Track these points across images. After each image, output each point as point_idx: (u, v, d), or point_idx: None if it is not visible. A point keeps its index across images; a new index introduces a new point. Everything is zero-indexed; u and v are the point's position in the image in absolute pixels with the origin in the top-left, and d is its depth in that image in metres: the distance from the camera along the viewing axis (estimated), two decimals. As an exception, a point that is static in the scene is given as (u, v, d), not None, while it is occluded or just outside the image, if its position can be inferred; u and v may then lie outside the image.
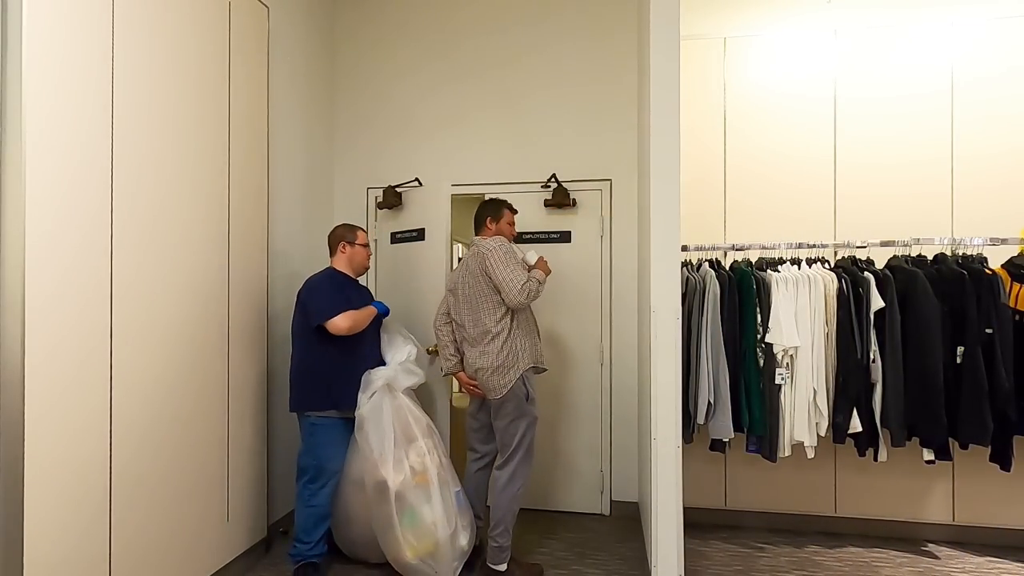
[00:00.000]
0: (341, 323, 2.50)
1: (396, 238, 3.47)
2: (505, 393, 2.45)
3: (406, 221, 3.42)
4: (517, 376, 2.45)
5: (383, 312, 2.77)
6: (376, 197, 3.61)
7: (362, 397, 2.56)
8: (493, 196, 2.84)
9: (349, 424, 2.60)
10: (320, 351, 2.56)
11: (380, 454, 2.48)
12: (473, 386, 2.57)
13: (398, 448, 2.50)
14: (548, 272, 2.61)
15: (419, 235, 3.29)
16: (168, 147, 2.15)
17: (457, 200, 3.43)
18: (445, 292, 2.71)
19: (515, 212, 2.74)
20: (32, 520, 1.63)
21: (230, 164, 2.52)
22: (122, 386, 1.94)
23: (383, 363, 2.70)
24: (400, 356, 2.72)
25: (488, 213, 2.66)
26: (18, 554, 1.60)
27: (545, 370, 2.67)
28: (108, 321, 1.89)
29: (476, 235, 2.66)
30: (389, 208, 3.48)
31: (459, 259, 3.12)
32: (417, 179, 3.48)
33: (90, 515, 1.82)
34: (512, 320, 2.50)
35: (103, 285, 1.87)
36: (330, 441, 2.59)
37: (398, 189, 3.45)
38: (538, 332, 2.65)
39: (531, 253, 2.64)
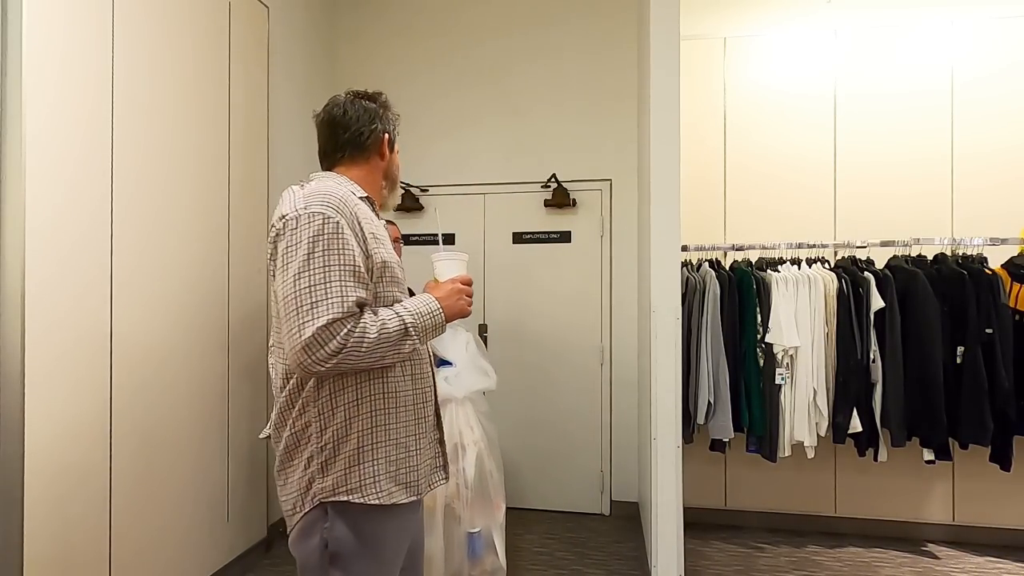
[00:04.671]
0: None
1: (411, 241, 3.51)
2: (292, 525, 1.21)
3: (426, 224, 3.50)
4: (319, 497, 1.16)
5: None
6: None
7: None
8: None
9: None
10: None
11: None
12: None
13: None
14: (456, 309, 1.26)
15: (447, 240, 3.40)
16: (168, 146, 2.15)
17: (457, 200, 3.44)
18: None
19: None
20: (32, 520, 1.63)
21: (230, 163, 2.52)
22: (122, 384, 1.94)
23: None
24: (458, 349, 2.10)
25: (354, 120, 1.31)
26: (18, 554, 1.60)
27: (415, 497, 1.25)
28: (108, 321, 1.89)
29: (325, 168, 1.35)
30: (407, 212, 3.51)
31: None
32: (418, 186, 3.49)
33: (90, 515, 1.82)
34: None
35: (103, 284, 1.87)
36: None
37: (411, 189, 3.47)
38: (434, 389, 1.34)
39: (446, 258, 1.35)
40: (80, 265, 1.78)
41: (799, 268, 2.78)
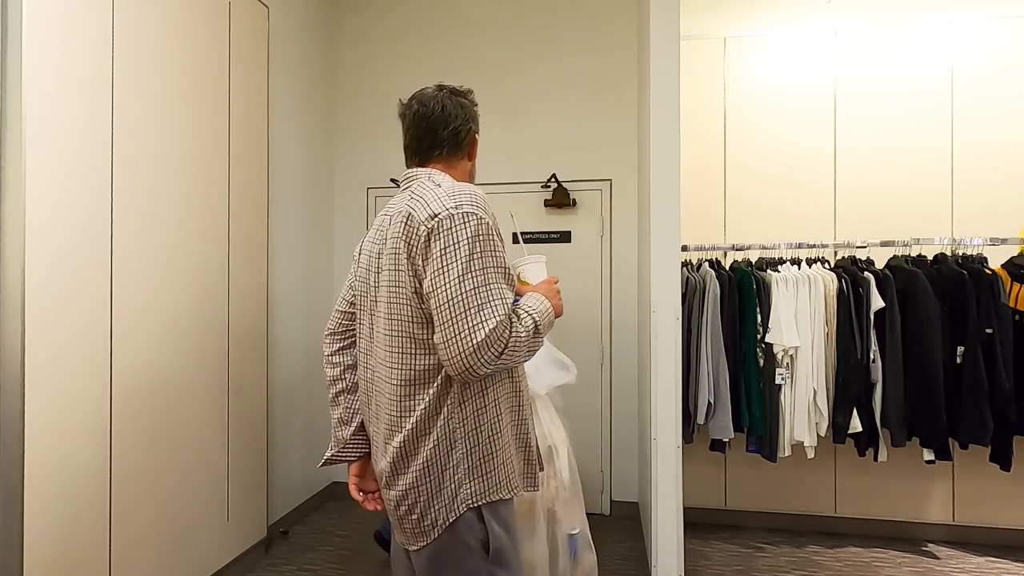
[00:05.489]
0: None
1: None
2: (428, 542, 1.17)
3: None
4: (468, 502, 1.15)
5: None
6: (376, 196, 3.62)
7: None
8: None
9: None
10: None
11: None
12: (371, 497, 1.34)
13: None
14: (558, 307, 1.27)
15: None
16: (168, 146, 2.15)
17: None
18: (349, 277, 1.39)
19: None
20: (32, 520, 1.63)
21: (230, 163, 2.52)
22: (122, 385, 1.94)
23: None
24: None
25: (453, 117, 1.28)
26: (18, 554, 1.60)
27: (536, 489, 1.32)
28: (108, 320, 1.89)
29: (416, 164, 1.31)
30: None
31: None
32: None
33: (90, 515, 1.82)
34: None
35: (103, 284, 1.87)
36: None
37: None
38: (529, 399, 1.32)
39: (531, 263, 1.41)
40: (80, 265, 1.78)
41: (799, 268, 2.78)
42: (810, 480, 3.08)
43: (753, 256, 2.94)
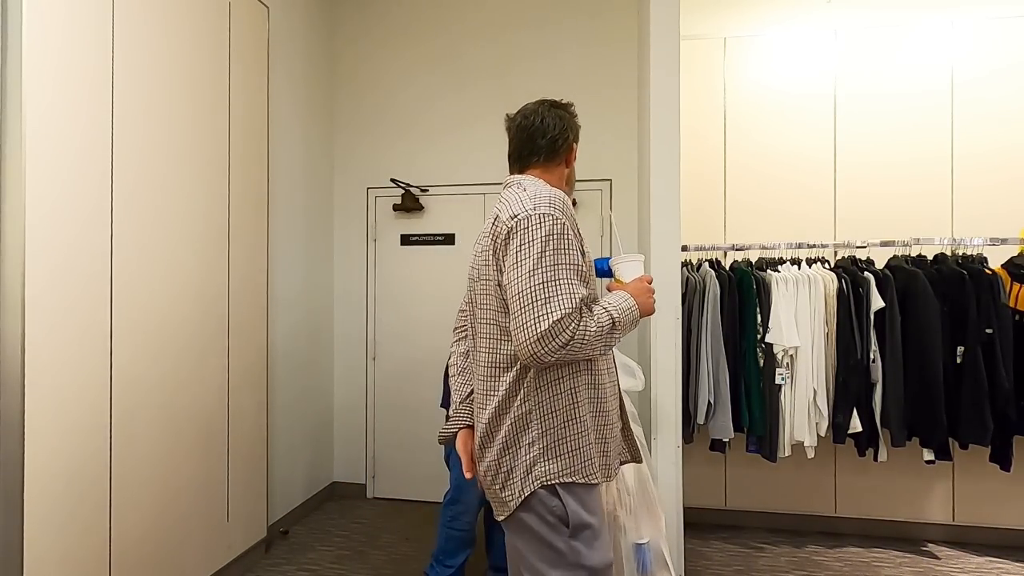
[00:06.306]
0: None
1: (411, 241, 3.54)
2: (510, 512, 1.29)
3: (425, 224, 3.54)
4: (542, 479, 1.26)
5: (600, 270, 1.88)
6: (376, 196, 3.62)
7: None
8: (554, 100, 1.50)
9: None
10: None
11: None
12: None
13: None
14: (647, 307, 1.33)
15: (447, 240, 3.48)
16: (168, 146, 2.15)
17: (457, 200, 3.44)
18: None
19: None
20: (32, 519, 1.62)
21: (230, 162, 2.52)
22: (122, 384, 1.94)
23: None
24: None
25: (551, 128, 1.41)
26: (18, 554, 1.60)
27: (609, 479, 1.37)
28: (108, 320, 1.88)
29: (517, 171, 1.46)
30: (407, 211, 3.51)
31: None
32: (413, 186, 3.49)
33: (90, 514, 1.82)
34: None
35: (103, 283, 1.87)
36: None
37: (411, 189, 3.49)
38: (618, 384, 1.42)
39: (627, 262, 1.40)
40: (80, 265, 1.78)
41: (799, 268, 2.78)
42: (810, 480, 3.08)
43: (753, 256, 2.94)
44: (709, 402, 2.68)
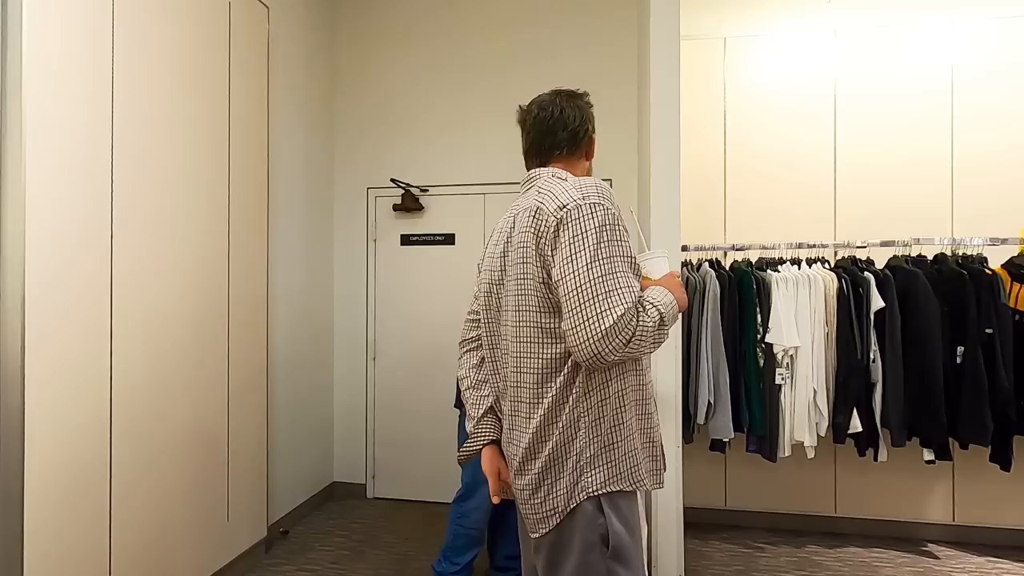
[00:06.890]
0: None
1: (411, 241, 3.55)
2: (549, 529, 1.20)
3: (425, 224, 3.54)
4: (588, 491, 1.18)
5: None
6: (376, 196, 3.62)
7: None
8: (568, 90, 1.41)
9: None
10: None
11: None
12: (505, 486, 1.34)
13: None
14: (682, 301, 1.25)
15: (447, 240, 3.48)
16: (168, 146, 2.15)
17: (457, 200, 3.44)
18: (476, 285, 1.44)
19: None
20: (32, 519, 1.63)
21: (230, 162, 2.52)
22: (122, 385, 1.94)
23: None
24: None
25: (571, 119, 1.34)
26: (18, 553, 1.60)
27: (661, 486, 1.30)
28: (108, 320, 1.88)
29: (537, 165, 1.36)
30: (407, 211, 3.52)
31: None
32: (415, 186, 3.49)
33: (90, 515, 1.82)
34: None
35: (103, 283, 1.87)
36: None
37: (411, 189, 3.49)
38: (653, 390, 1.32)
39: (654, 258, 1.34)
40: (80, 265, 1.78)
41: (799, 268, 2.78)
42: (810, 480, 3.08)
43: (753, 256, 2.94)
44: (709, 402, 2.68)
